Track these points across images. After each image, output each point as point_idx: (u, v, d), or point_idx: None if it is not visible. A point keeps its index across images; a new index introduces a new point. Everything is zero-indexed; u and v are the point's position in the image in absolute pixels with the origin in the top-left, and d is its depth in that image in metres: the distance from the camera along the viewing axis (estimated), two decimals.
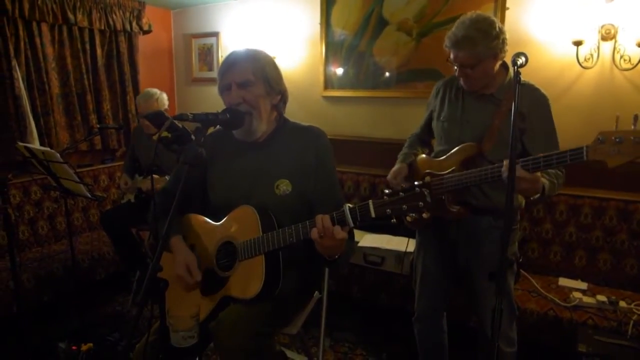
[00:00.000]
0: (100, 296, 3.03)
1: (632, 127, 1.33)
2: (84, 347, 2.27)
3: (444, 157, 1.78)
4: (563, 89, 2.64)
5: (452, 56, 1.65)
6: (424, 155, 1.92)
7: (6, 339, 2.42)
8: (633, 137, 1.29)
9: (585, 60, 2.50)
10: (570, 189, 2.54)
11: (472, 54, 1.59)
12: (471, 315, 2.27)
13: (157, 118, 2.20)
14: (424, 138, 2.04)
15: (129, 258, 2.91)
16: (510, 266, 1.76)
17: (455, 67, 1.68)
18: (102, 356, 2.29)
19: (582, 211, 2.51)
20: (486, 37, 1.57)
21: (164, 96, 2.90)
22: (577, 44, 2.47)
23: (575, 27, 2.47)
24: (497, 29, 1.59)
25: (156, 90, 2.87)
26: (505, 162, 1.45)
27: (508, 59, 1.55)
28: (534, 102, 1.66)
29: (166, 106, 2.88)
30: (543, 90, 1.70)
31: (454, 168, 1.71)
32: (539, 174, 1.47)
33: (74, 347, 2.27)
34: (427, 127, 1.98)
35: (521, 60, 1.35)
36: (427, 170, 1.81)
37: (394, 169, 1.89)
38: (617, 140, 1.33)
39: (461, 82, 1.72)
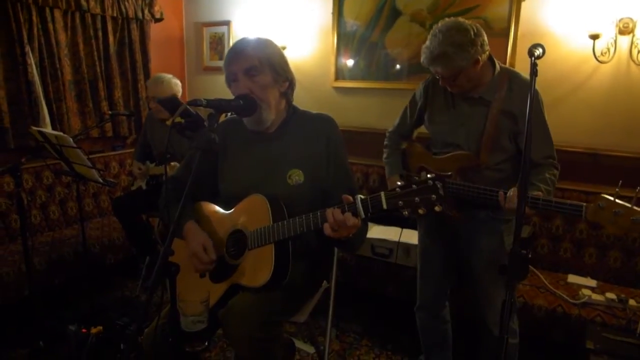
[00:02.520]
0: (110, 281, 3.07)
1: (636, 196, 1.32)
2: (93, 330, 2.30)
3: (440, 157, 1.78)
4: (578, 83, 2.60)
5: (432, 70, 1.63)
6: (419, 145, 1.90)
7: (18, 321, 2.46)
8: (633, 218, 1.31)
9: (601, 54, 2.46)
10: (582, 185, 2.51)
11: (450, 68, 1.56)
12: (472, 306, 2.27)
13: (171, 103, 2.21)
14: (405, 133, 2.00)
15: (139, 244, 2.95)
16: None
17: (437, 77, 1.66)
18: (111, 339, 2.32)
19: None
20: (461, 49, 1.53)
21: (175, 81, 2.88)
22: (594, 37, 2.43)
23: (592, 20, 2.43)
24: (473, 35, 1.54)
25: (165, 75, 2.86)
26: (501, 192, 1.52)
27: (498, 55, 1.55)
28: (525, 100, 1.63)
29: (175, 91, 2.86)
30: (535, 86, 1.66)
31: (451, 174, 1.69)
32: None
33: (84, 330, 2.30)
34: (411, 123, 1.95)
35: (538, 51, 1.32)
36: (422, 165, 1.81)
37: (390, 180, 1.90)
38: (616, 212, 1.34)
39: (449, 89, 1.70)
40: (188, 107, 1.15)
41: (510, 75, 1.66)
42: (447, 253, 1.88)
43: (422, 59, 1.63)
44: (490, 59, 1.67)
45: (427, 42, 1.59)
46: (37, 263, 2.60)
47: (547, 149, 1.66)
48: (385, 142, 2.06)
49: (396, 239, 2.58)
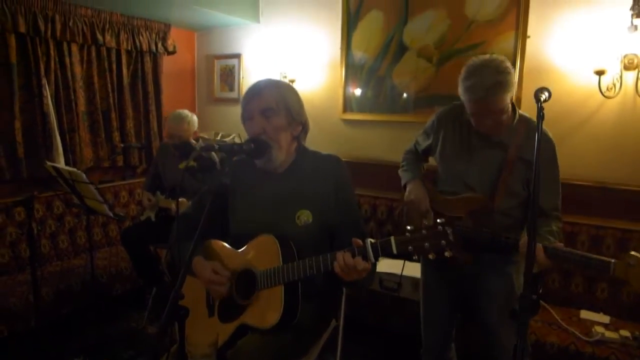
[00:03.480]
0: (117, 311, 3.06)
1: None
2: None
3: (451, 197, 1.75)
4: (585, 119, 2.62)
5: (474, 107, 1.57)
6: (428, 183, 1.88)
7: (25, 353, 2.45)
8: None
9: (607, 89, 2.49)
10: (592, 219, 2.50)
11: (501, 100, 1.53)
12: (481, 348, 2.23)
13: (184, 148, 2.26)
14: (423, 159, 2.00)
15: (146, 275, 2.95)
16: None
17: (471, 117, 1.63)
18: None
19: (604, 242, 2.46)
20: (511, 78, 1.53)
21: (195, 118, 2.96)
22: (600, 73, 2.46)
23: (598, 56, 2.47)
24: (511, 69, 1.56)
25: (187, 112, 2.93)
26: (522, 242, 1.49)
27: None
28: (543, 150, 1.63)
29: (196, 127, 2.94)
30: (550, 134, 1.65)
31: (462, 216, 1.69)
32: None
33: None
34: (424, 153, 1.95)
35: (544, 95, 1.34)
36: (432, 205, 1.79)
37: (415, 194, 1.82)
38: None
39: (477, 127, 1.65)
40: (201, 152, 1.17)
41: (528, 122, 1.66)
42: (451, 295, 1.85)
43: (467, 98, 1.57)
44: (512, 103, 1.66)
45: (471, 80, 1.53)
46: (45, 293, 2.61)
47: (556, 200, 1.67)
48: (403, 156, 2.02)
49: (404, 272, 2.55)
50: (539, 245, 1.44)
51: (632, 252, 1.36)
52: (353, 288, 1.39)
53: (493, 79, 1.51)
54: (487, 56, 1.59)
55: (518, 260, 1.75)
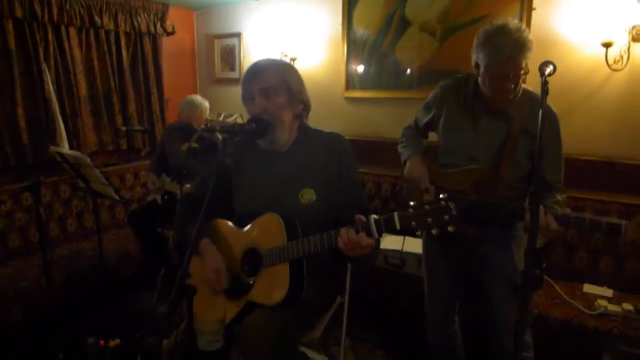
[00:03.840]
0: (127, 293, 3.11)
1: None
2: (111, 343, 2.34)
3: (452, 170, 1.75)
4: (591, 92, 2.59)
5: (497, 69, 1.54)
6: (427, 160, 1.87)
7: (38, 334, 2.51)
8: None
9: (614, 62, 2.45)
10: (597, 194, 2.49)
11: (526, 58, 1.51)
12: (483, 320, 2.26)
13: (185, 129, 2.26)
14: (423, 134, 1.98)
15: (154, 256, 2.99)
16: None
17: (486, 83, 1.60)
18: (128, 352, 2.36)
19: (609, 216, 2.45)
20: (532, 42, 1.52)
21: (207, 104, 2.98)
22: (607, 45, 2.42)
23: (605, 28, 2.42)
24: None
25: (200, 99, 2.95)
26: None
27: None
28: (547, 123, 1.62)
29: (208, 114, 2.95)
30: (554, 108, 1.64)
31: (465, 188, 1.69)
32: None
33: (102, 342, 2.35)
34: (425, 128, 1.94)
35: (549, 69, 1.32)
36: (433, 180, 1.79)
37: (415, 171, 1.82)
38: None
39: (492, 95, 1.62)
40: (203, 132, 1.18)
41: (532, 95, 1.65)
42: (454, 269, 1.87)
43: (492, 58, 1.52)
44: None
45: (495, 41, 1.51)
46: (56, 276, 2.65)
47: (559, 173, 1.67)
48: (402, 133, 2.01)
49: (409, 249, 2.58)
50: (549, 214, 1.43)
51: None
52: (357, 264, 1.40)
53: (518, 37, 1.50)
54: (500, 22, 1.57)
55: (519, 235, 1.76)
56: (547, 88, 1.28)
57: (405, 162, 1.91)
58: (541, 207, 1.47)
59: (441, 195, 1.14)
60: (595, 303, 2.17)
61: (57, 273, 2.67)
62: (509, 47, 1.49)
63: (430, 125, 1.91)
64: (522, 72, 1.54)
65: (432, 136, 2.00)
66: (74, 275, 2.76)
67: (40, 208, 2.26)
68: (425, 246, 1.97)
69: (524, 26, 1.54)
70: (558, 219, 1.44)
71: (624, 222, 1.37)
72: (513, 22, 1.55)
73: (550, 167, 1.61)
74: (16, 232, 2.92)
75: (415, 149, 1.90)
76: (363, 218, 1.25)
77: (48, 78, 3.08)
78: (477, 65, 1.63)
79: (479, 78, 1.64)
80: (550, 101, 1.59)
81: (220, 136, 1.65)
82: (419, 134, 1.98)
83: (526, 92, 1.67)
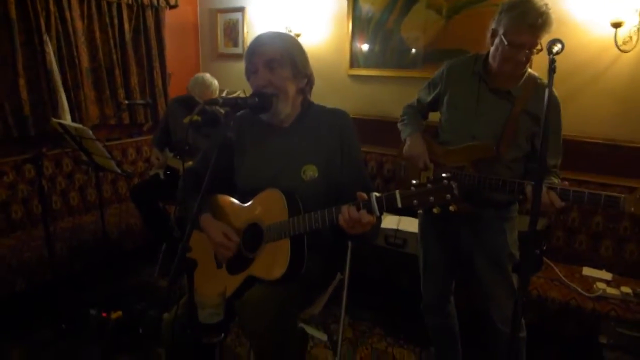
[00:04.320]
0: (129, 266, 3.14)
1: None
2: (113, 315, 2.38)
3: (452, 147, 1.74)
4: (599, 72, 2.55)
5: (519, 37, 1.51)
6: (428, 138, 1.86)
7: (41, 304, 2.55)
8: None
9: (623, 42, 2.40)
10: (598, 177, 2.48)
11: (548, 31, 1.50)
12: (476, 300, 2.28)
13: (187, 102, 2.24)
14: (422, 111, 1.97)
15: (156, 230, 3.01)
16: (511, 260, 1.75)
17: (499, 51, 1.58)
18: (130, 324, 2.40)
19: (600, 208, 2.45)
20: (553, 20, 1.51)
21: (216, 84, 2.96)
22: (616, 25, 2.37)
23: (615, 7, 2.37)
24: None
25: (210, 78, 2.92)
26: (529, 188, 1.49)
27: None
28: (551, 105, 1.61)
29: (217, 93, 2.93)
30: (556, 92, 1.62)
31: (464, 165, 1.68)
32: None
33: (104, 314, 2.39)
34: (428, 107, 1.93)
35: (557, 47, 1.30)
36: (434, 158, 1.79)
37: (415, 149, 1.81)
38: None
39: (501, 66, 1.59)
40: (205, 106, 1.16)
41: (536, 78, 1.66)
42: (449, 250, 1.88)
43: (517, 24, 1.51)
44: None
45: (522, 7, 1.49)
46: (59, 249, 2.68)
47: (558, 157, 1.68)
48: (403, 111, 2.01)
49: (409, 229, 2.59)
50: (551, 191, 1.44)
51: None
52: (358, 242, 1.41)
53: (545, 10, 1.49)
54: None
55: (514, 217, 1.77)
56: (555, 67, 1.26)
57: (405, 139, 1.90)
58: (530, 185, 1.48)
59: (444, 175, 1.13)
60: (594, 286, 2.19)
61: (60, 245, 2.70)
62: (534, 15, 1.49)
63: (434, 104, 1.90)
64: (536, 48, 1.53)
65: (432, 116, 1.99)
66: (77, 248, 2.78)
67: (42, 180, 2.27)
68: (421, 227, 1.98)
69: (549, 3, 1.53)
70: (559, 194, 1.45)
71: (622, 196, 1.39)
72: None
73: (549, 151, 1.61)
74: (19, 204, 2.94)
75: (415, 127, 1.89)
76: (364, 195, 1.24)
77: (50, 49, 3.04)
78: (494, 34, 1.60)
79: (492, 48, 1.63)
80: (556, 82, 1.57)
81: (222, 110, 1.63)
82: (419, 113, 1.97)
83: (532, 76, 1.67)
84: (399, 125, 1.98)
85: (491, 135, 1.67)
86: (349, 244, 1.79)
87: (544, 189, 1.44)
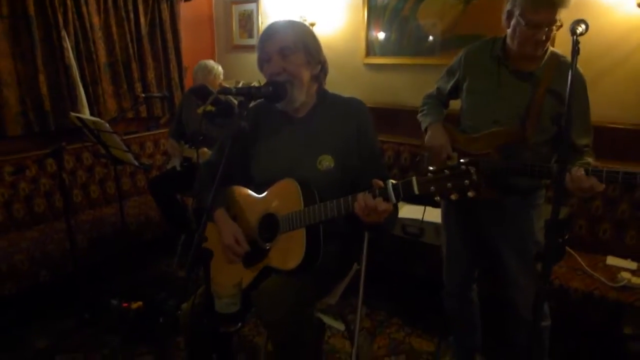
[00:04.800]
0: (148, 257, 3.19)
1: None
2: (134, 305, 2.42)
3: (475, 135, 1.70)
4: (625, 55, 2.45)
5: (536, 15, 1.46)
6: (449, 126, 1.82)
7: (64, 295, 2.61)
8: None
9: None
10: (625, 164, 2.38)
11: (566, 7, 1.45)
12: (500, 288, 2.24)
13: (201, 92, 2.24)
14: (444, 103, 1.93)
15: (174, 222, 3.04)
16: (537, 247, 1.71)
17: (517, 33, 1.53)
18: (150, 314, 2.43)
19: (637, 187, 2.38)
20: None
21: (220, 69, 2.96)
22: None
23: None
24: None
25: (213, 63, 2.93)
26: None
27: None
28: (576, 86, 1.54)
29: (221, 78, 2.92)
30: (581, 70, 1.57)
31: (489, 152, 1.64)
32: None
33: (125, 304, 2.43)
34: (449, 95, 1.88)
35: (581, 28, 1.25)
36: (455, 145, 1.75)
37: (437, 139, 1.76)
38: None
39: (521, 47, 1.54)
40: (218, 95, 1.15)
41: (559, 56, 1.60)
42: (473, 237, 1.85)
43: (534, 2, 1.46)
44: None
45: None
46: (80, 241, 2.73)
47: (588, 137, 1.62)
48: (422, 101, 1.96)
49: (427, 218, 2.55)
50: (579, 170, 1.38)
51: None
52: (375, 233, 1.39)
53: None
54: None
55: (540, 205, 1.72)
56: (579, 48, 1.21)
57: (425, 130, 1.86)
58: (578, 168, 1.41)
59: (462, 160, 1.10)
60: (618, 275, 2.12)
61: (81, 237, 2.75)
62: None
63: (454, 92, 1.85)
64: (556, 25, 1.47)
65: (453, 105, 1.94)
66: (98, 240, 2.84)
67: (63, 174, 2.30)
68: (444, 214, 1.95)
69: None
70: (589, 173, 1.39)
71: None
72: None
73: (578, 130, 1.57)
74: (41, 198, 3.00)
75: (436, 117, 1.84)
76: (381, 183, 1.22)
77: (68, 45, 3.08)
78: (510, 16, 1.55)
79: (509, 30, 1.58)
80: (581, 65, 1.53)
81: (236, 100, 1.63)
82: (439, 102, 1.92)
83: (554, 54, 1.60)
84: (418, 116, 1.93)
85: (514, 119, 1.62)
86: (366, 233, 1.77)
87: (581, 172, 1.38)
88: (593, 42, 2.40)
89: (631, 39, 2.41)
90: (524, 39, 1.52)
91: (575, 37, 1.22)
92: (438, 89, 1.92)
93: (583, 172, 1.38)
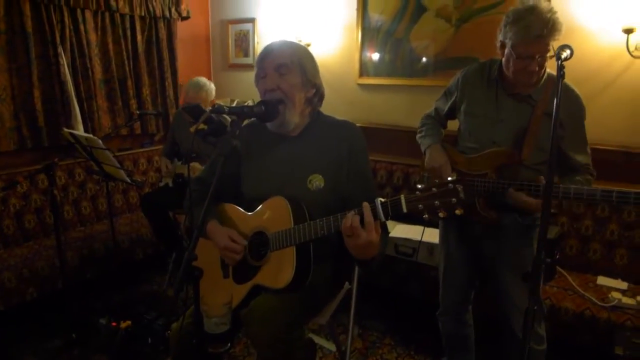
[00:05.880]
0: (139, 275, 3.16)
1: None
2: (123, 325, 2.38)
3: (474, 155, 1.72)
4: (611, 80, 2.51)
5: (526, 48, 1.51)
6: (448, 146, 1.85)
7: (52, 313, 2.57)
8: None
9: (636, 49, 2.37)
10: (613, 184, 2.41)
11: (555, 39, 1.48)
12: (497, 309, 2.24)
13: (194, 111, 2.26)
14: (440, 121, 1.96)
15: (166, 240, 3.02)
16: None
17: (511, 63, 1.57)
18: (139, 333, 2.40)
19: (625, 207, 2.40)
20: (561, 24, 1.50)
21: (212, 86, 2.97)
22: (628, 31, 2.34)
23: (626, 13, 2.34)
24: None
25: (205, 80, 2.94)
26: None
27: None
28: (571, 107, 1.60)
29: (213, 96, 2.94)
30: (577, 91, 1.62)
31: (487, 172, 1.66)
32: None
33: (114, 324, 2.39)
34: (447, 116, 1.91)
35: (566, 53, 1.29)
36: (453, 166, 1.77)
37: (437, 160, 1.79)
38: None
39: (516, 76, 1.59)
40: (211, 114, 1.17)
41: (555, 80, 1.63)
42: (470, 257, 1.85)
43: (522, 36, 1.49)
44: None
45: (527, 19, 1.48)
46: (70, 258, 2.70)
47: (586, 158, 1.66)
48: (421, 122, 1.98)
49: (419, 237, 2.56)
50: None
51: None
52: (366, 269, 1.38)
53: (550, 17, 1.47)
54: (531, 2, 1.54)
55: (538, 225, 1.73)
56: (564, 72, 1.24)
57: (425, 151, 1.88)
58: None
59: (449, 178, 1.12)
60: (609, 295, 2.13)
61: (71, 254, 2.72)
62: (539, 26, 1.47)
63: (452, 112, 1.89)
64: (549, 54, 1.51)
65: (451, 125, 1.97)
66: (88, 257, 2.81)
67: (54, 190, 2.30)
68: (442, 234, 1.95)
69: (554, 8, 1.51)
70: (560, 195, 1.46)
71: (632, 191, 1.38)
72: (544, 3, 1.53)
73: (576, 153, 1.62)
74: (32, 214, 2.98)
75: (434, 138, 1.87)
76: (368, 204, 1.23)
77: (64, 61, 3.10)
78: (502, 45, 1.60)
79: (504, 59, 1.62)
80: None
81: (229, 118, 1.64)
82: (438, 123, 1.95)
83: (552, 77, 1.64)
84: (417, 137, 1.96)
85: (512, 140, 1.65)
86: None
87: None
88: (580, 67, 2.46)
89: (616, 64, 2.48)
90: (517, 69, 1.56)
91: (560, 61, 1.25)
92: (436, 109, 1.95)
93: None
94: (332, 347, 2.41)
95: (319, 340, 2.41)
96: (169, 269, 3.07)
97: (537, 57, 1.51)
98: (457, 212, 1.12)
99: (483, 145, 1.70)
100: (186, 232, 2.69)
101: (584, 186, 1.54)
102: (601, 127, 2.52)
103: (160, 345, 2.34)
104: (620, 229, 2.40)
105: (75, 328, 2.46)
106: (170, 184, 2.99)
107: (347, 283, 1.78)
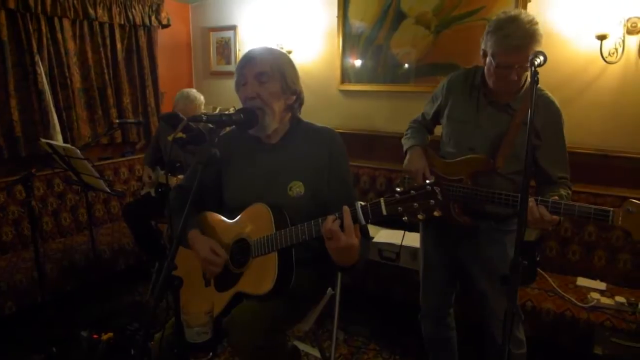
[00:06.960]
0: (121, 286, 3.11)
1: None
2: (104, 337, 2.34)
3: (451, 160, 1.75)
4: (586, 85, 2.58)
5: (506, 58, 1.52)
6: (429, 149, 1.87)
7: (31, 327, 2.51)
8: None
9: (609, 54, 2.43)
10: (590, 187, 2.48)
11: (534, 49, 1.48)
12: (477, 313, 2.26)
13: (172, 119, 2.25)
14: (427, 126, 1.99)
15: (148, 249, 2.98)
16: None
17: (491, 71, 1.59)
18: (121, 345, 2.35)
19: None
20: (541, 35, 1.52)
21: (202, 99, 2.98)
22: (601, 38, 2.40)
23: (599, 20, 2.40)
24: None
25: (196, 93, 2.95)
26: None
27: None
28: (549, 117, 1.62)
29: (203, 108, 2.95)
30: (557, 103, 1.65)
31: (462, 178, 1.69)
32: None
33: (95, 336, 2.35)
34: (432, 121, 1.94)
35: (539, 60, 1.31)
36: (431, 168, 1.79)
37: (415, 163, 1.80)
38: None
39: (495, 85, 1.61)
40: (190, 122, 1.17)
41: (538, 91, 1.65)
42: (449, 261, 1.87)
43: (502, 45, 1.51)
44: None
45: (507, 28, 1.49)
46: (49, 270, 2.65)
47: (564, 168, 1.67)
48: (408, 126, 2.01)
49: (403, 242, 2.57)
50: (540, 205, 1.45)
51: (632, 200, 1.36)
52: (347, 274, 1.38)
53: (530, 27, 1.49)
54: (513, 12, 1.57)
55: (514, 230, 1.75)
56: (538, 79, 1.27)
57: (406, 152, 1.90)
58: (532, 198, 1.48)
59: (427, 181, 1.14)
60: (588, 296, 2.17)
61: (51, 266, 2.67)
62: (519, 37, 1.49)
63: (437, 117, 1.91)
64: (528, 64, 1.54)
65: (437, 130, 2.00)
66: (68, 269, 2.76)
67: (32, 201, 2.25)
68: (422, 238, 1.97)
69: (535, 19, 1.53)
70: (549, 207, 1.45)
71: (611, 209, 1.40)
72: (526, 13, 1.56)
73: (553, 163, 1.63)
74: (9, 226, 2.92)
75: (417, 140, 1.89)
76: (348, 208, 1.24)
77: (41, 70, 3.06)
78: (484, 54, 1.62)
79: (485, 67, 1.64)
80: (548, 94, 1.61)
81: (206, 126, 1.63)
82: (424, 127, 1.98)
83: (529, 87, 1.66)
84: (402, 140, 1.98)
85: (489, 147, 1.67)
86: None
87: (532, 203, 1.45)
88: (555, 73, 2.52)
89: (590, 69, 2.55)
90: (497, 78, 1.59)
91: (533, 68, 1.28)
92: (423, 113, 1.98)
93: (533, 202, 1.44)
94: (317, 353, 2.39)
95: (304, 347, 2.40)
96: (152, 279, 3.03)
97: (516, 66, 1.53)
98: (436, 213, 1.13)
99: (461, 150, 1.73)
100: (169, 241, 2.66)
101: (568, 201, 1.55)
102: (578, 131, 2.58)
103: (143, 356, 2.29)
104: (598, 231, 2.46)
105: (56, 342, 2.41)
106: (153, 194, 2.96)
107: (330, 289, 1.78)
